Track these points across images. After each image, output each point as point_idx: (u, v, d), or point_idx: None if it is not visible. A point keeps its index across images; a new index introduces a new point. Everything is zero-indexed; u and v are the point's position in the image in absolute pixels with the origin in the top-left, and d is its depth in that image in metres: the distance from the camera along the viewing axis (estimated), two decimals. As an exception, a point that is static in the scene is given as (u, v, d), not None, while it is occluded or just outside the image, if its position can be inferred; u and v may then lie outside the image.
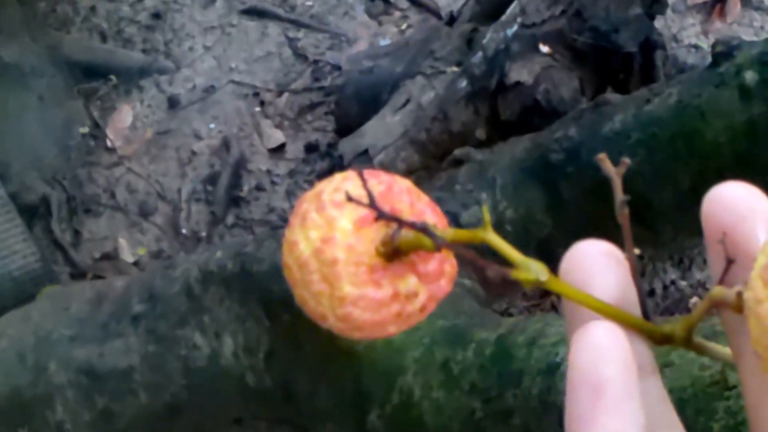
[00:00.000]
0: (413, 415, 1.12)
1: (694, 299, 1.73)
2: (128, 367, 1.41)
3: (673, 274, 1.77)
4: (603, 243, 0.41)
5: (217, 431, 1.61)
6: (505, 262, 0.41)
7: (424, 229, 0.41)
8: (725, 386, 0.71)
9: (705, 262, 1.78)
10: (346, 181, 0.42)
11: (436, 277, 0.43)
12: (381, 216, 0.41)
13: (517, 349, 1.02)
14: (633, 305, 0.41)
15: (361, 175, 0.42)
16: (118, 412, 1.43)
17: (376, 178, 0.43)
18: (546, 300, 1.76)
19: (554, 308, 1.75)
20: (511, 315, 1.73)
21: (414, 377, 1.13)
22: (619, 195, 0.43)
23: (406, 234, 0.41)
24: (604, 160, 0.43)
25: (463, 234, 0.42)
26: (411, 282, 0.42)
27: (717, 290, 0.38)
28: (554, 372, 0.93)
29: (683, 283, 1.76)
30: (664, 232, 1.26)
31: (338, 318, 0.42)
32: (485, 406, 1.00)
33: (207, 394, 1.41)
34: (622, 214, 0.43)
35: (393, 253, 0.42)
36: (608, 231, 1.36)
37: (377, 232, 0.42)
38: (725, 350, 0.42)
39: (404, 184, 0.44)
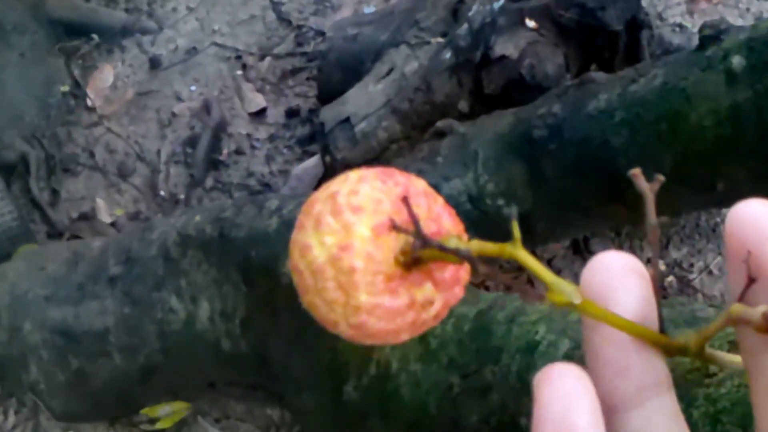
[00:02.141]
0: (390, 387, 1.12)
1: (670, 278, 1.74)
2: (103, 329, 1.41)
3: (649, 253, 1.78)
4: (625, 256, 0.41)
5: (191, 395, 1.62)
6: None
7: (468, 257, 0.40)
8: (706, 373, 0.71)
9: (682, 241, 1.79)
10: (362, 183, 0.41)
11: (452, 285, 0.42)
12: (426, 244, 0.40)
13: (497, 326, 1.02)
14: (651, 319, 0.41)
15: (405, 202, 0.41)
16: (92, 373, 1.43)
17: (392, 178, 0.42)
18: (523, 273, 1.76)
19: (530, 282, 1.76)
20: (487, 288, 1.74)
21: (391, 349, 1.13)
22: (652, 218, 0.43)
23: None
24: (638, 176, 0.42)
25: (489, 247, 0.41)
26: (427, 290, 0.42)
27: (737, 307, 0.38)
28: (533, 351, 0.93)
29: (659, 262, 1.77)
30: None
31: (351, 326, 0.41)
32: (463, 381, 1.00)
33: (181, 358, 1.41)
34: (653, 235, 0.43)
35: (412, 262, 0.41)
36: (588, 208, 1.36)
37: (396, 239, 0.41)
38: (736, 359, 0.42)
39: (420, 185, 0.43)
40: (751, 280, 0.38)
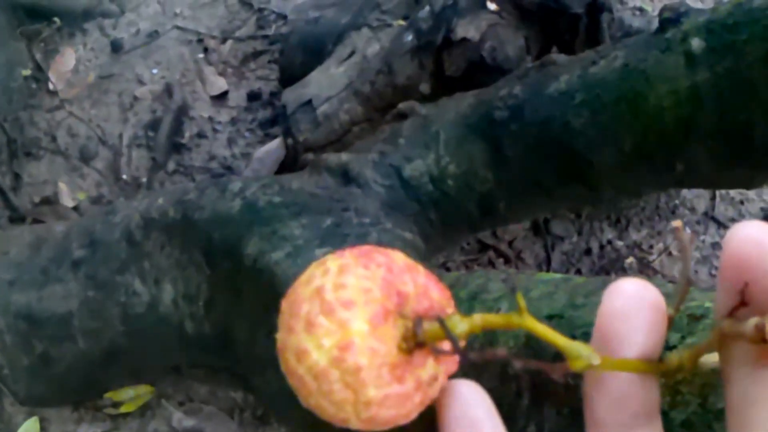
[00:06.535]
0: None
1: (630, 259, 1.76)
2: (67, 313, 1.40)
3: (609, 234, 1.80)
4: (646, 287, 0.43)
5: (155, 378, 1.62)
6: None
7: (504, 357, 0.41)
8: (665, 346, 0.73)
9: (641, 222, 1.80)
10: (346, 274, 0.40)
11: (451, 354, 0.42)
12: (465, 359, 0.41)
13: (459, 303, 1.02)
14: (659, 348, 0.43)
15: (419, 322, 0.41)
16: (56, 357, 1.43)
17: (373, 260, 0.41)
18: (484, 255, 1.77)
19: (491, 263, 1.77)
20: (448, 269, 1.75)
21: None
22: (687, 269, 0.43)
23: (429, 326, 0.40)
24: (679, 229, 0.43)
25: (493, 319, 0.41)
26: (430, 367, 0.41)
27: (728, 323, 0.40)
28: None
29: (620, 243, 1.78)
30: (605, 192, 1.28)
31: (362, 420, 0.41)
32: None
33: (145, 341, 1.41)
34: (684, 287, 0.44)
35: (414, 346, 0.41)
36: (549, 188, 1.37)
37: (394, 326, 0.40)
38: (714, 357, 0.43)
39: (400, 259, 0.42)
40: (743, 304, 0.39)
